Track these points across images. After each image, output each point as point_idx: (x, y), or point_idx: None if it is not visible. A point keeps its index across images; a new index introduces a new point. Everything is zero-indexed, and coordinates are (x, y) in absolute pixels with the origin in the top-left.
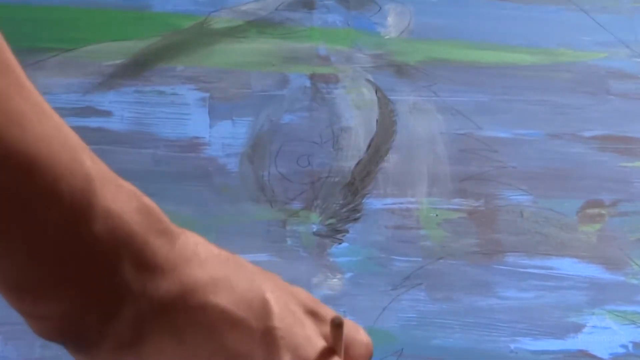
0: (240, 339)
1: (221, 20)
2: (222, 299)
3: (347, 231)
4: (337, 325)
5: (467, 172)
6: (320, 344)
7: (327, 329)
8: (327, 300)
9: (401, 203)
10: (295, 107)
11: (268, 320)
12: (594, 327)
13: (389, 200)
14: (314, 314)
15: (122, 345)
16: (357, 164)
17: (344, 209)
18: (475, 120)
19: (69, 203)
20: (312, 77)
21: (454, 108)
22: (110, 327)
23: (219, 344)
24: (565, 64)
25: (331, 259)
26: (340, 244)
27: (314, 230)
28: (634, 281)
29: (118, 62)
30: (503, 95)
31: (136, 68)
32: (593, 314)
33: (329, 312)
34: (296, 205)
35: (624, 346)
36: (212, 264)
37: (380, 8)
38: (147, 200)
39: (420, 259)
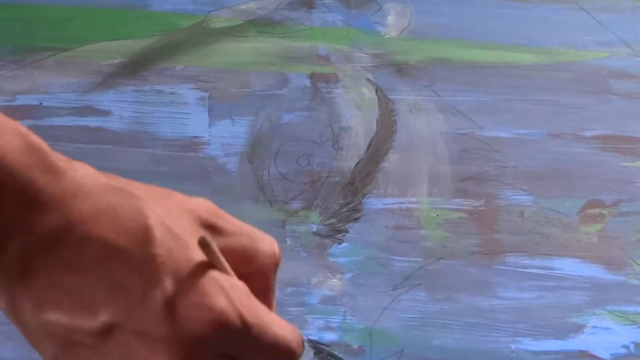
0: (122, 267)
1: (220, 20)
2: (104, 230)
3: (347, 231)
4: (203, 245)
5: (468, 172)
6: (202, 263)
7: (227, 241)
8: (327, 300)
9: (401, 203)
10: (295, 106)
11: (148, 248)
12: (595, 327)
13: (389, 200)
14: (212, 228)
15: (11, 279)
16: (357, 163)
17: (344, 209)
18: (476, 120)
19: None
20: (312, 76)
21: (455, 108)
22: (2, 259)
23: (103, 273)
24: (566, 64)
25: (331, 259)
26: (340, 244)
27: (314, 230)
28: (635, 281)
29: (117, 61)
30: (504, 94)
31: (135, 67)
32: (594, 314)
33: (229, 224)
34: (296, 205)
35: (625, 346)
36: (98, 195)
37: (381, 7)
38: (33, 138)
39: (420, 259)
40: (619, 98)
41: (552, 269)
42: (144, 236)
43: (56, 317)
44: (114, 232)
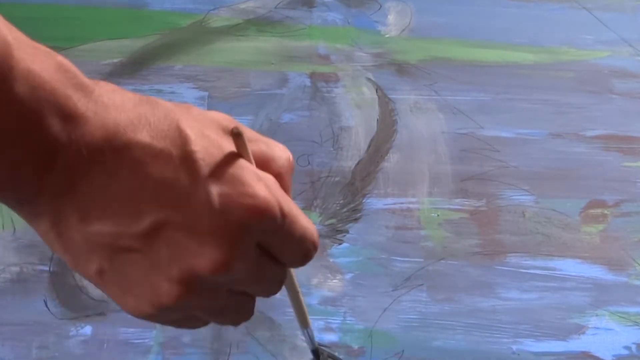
0: (163, 167)
1: (220, 19)
2: (142, 135)
3: (347, 231)
4: (236, 135)
5: (469, 171)
6: (237, 156)
7: (251, 147)
8: (327, 301)
9: (402, 203)
10: (294, 106)
11: (186, 146)
12: (596, 328)
13: (389, 200)
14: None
15: (58, 194)
16: (358, 163)
17: (344, 209)
18: (477, 120)
19: None
20: (312, 75)
21: (455, 107)
22: (46, 178)
23: (145, 175)
24: (567, 63)
25: (331, 260)
26: (340, 244)
27: None
28: (637, 282)
29: (116, 60)
30: (505, 94)
31: (134, 67)
32: (596, 315)
33: (248, 131)
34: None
35: (627, 347)
36: (129, 106)
37: (381, 6)
38: (61, 57)
39: (421, 260)
40: (620, 97)
41: (553, 269)
42: (180, 137)
43: (102, 226)
44: (151, 136)
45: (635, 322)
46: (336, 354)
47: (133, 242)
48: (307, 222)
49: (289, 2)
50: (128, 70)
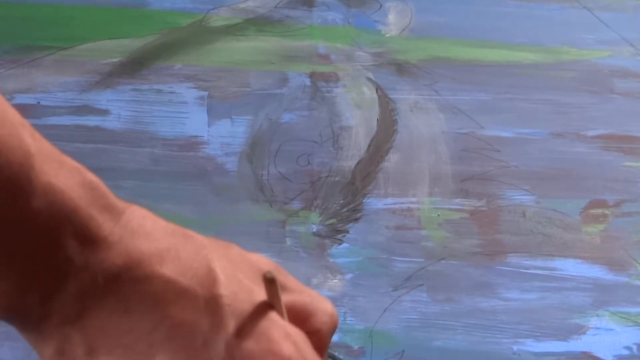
0: (185, 307)
1: (220, 18)
2: (167, 269)
3: (347, 231)
4: (269, 280)
5: (469, 171)
6: (267, 308)
7: (288, 297)
8: None
9: (402, 203)
10: (294, 106)
11: (213, 288)
12: (597, 328)
13: (389, 200)
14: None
15: (66, 321)
16: (358, 163)
17: (344, 209)
18: (477, 120)
19: (7, 178)
20: (312, 75)
21: (456, 107)
22: (54, 304)
23: (164, 313)
24: (568, 63)
25: (331, 260)
26: (340, 244)
27: (314, 230)
28: (638, 282)
29: (115, 60)
30: (505, 94)
31: (134, 66)
32: (596, 315)
33: (290, 281)
34: (296, 205)
35: (628, 348)
36: (158, 235)
37: (381, 6)
38: (91, 175)
39: (421, 260)
40: (621, 97)
41: (554, 269)
42: (209, 277)
43: None
44: (177, 272)
45: (636, 322)
46: (336, 353)
47: None
48: None
49: (288, 1)
50: (128, 70)
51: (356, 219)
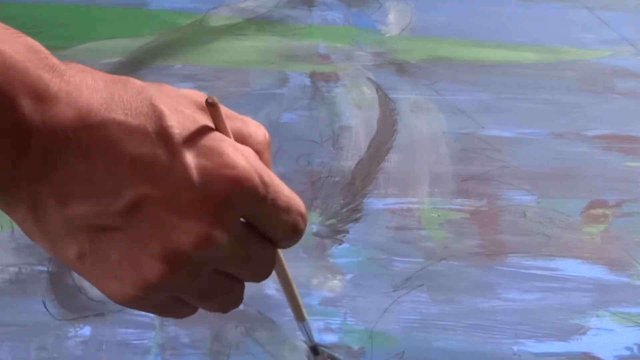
0: (140, 143)
1: (219, 18)
2: (116, 113)
3: (347, 232)
4: (212, 105)
5: (469, 171)
6: (213, 129)
7: (228, 124)
8: (327, 301)
9: (402, 203)
10: (294, 105)
11: (161, 122)
12: (598, 329)
13: (389, 201)
14: (205, 111)
15: (35, 178)
16: (358, 163)
17: (344, 209)
18: (478, 119)
19: None
20: (312, 75)
21: (456, 107)
22: (21, 162)
23: (122, 152)
24: (569, 62)
25: (331, 260)
26: (340, 244)
27: (314, 230)
28: (639, 282)
29: (115, 60)
30: (506, 94)
31: (133, 66)
32: (597, 315)
33: (225, 109)
34: None
35: (629, 348)
36: (100, 86)
37: (381, 5)
38: (31, 39)
39: (421, 260)
40: (622, 97)
41: (554, 269)
42: (154, 113)
43: (80, 207)
44: (125, 114)
45: (637, 322)
46: (336, 354)
47: (113, 221)
48: (291, 193)
49: (288, 1)
50: (127, 70)
51: (356, 219)
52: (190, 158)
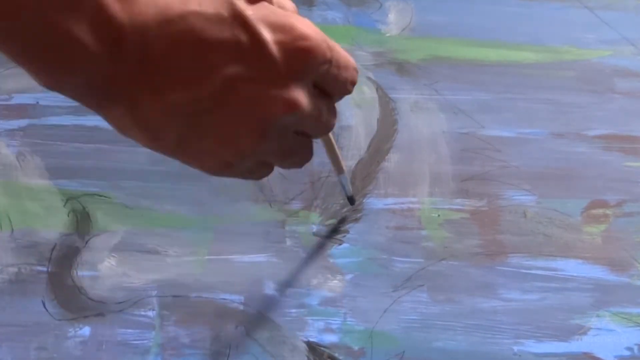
0: (219, 28)
1: None
2: (192, 5)
3: (347, 231)
4: None
5: (470, 171)
6: (277, 9)
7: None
8: (327, 302)
9: (402, 203)
10: None
11: (233, 6)
12: (598, 329)
13: (390, 200)
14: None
15: (132, 75)
16: (358, 163)
17: (345, 209)
18: (478, 119)
19: None
20: None
21: (457, 107)
22: (117, 61)
23: (205, 40)
24: (569, 62)
25: (331, 260)
26: (340, 244)
27: (314, 230)
28: (639, 283)
29: None
30: (506, 93)
31: None
32: (597, 316)
33: None
34: (296, 205)
35: (629, 349)
36: None
37: (381, 5)
38: None
39: (422, 260)
40: (622, 97)
41: (555, 270)
42: (225, 1)
43: (176, 96)
44: (199, 4)
45: (637, 323)
46: (336, 354)
47: (207, 103)
48: (345, 52)
49: None
50: None
51: (356, 219)
52: (267, 35)
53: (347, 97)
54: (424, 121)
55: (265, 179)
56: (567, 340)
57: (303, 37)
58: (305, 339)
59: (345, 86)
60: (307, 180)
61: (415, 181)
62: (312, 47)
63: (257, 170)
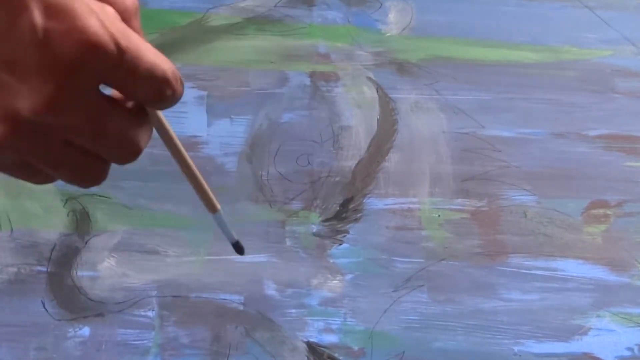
0: None
1: (219, 17)
2: None
3: (347, 232)
4: None
5: (470, 171)
6: None
7: None
8: (327, 302)
9: (402, 203)
10: (294, 105)
11: None
12: (598, 329)
13: (390, 201)
14: None
15: None
16: (358, 163)
17: (344, 209)
18: (478, 119)
19: None
20: (312, 75)
21: (457, 106)
22: None
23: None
24: (569, 62)
25: (331, 260)
26: (340, 244)
27: (314, 230)
28: (639, 283)
29: None
30: (506, 93)
31: None
32: (598, 316)
33: None
34: (296, 205)
35: (630, 349)
36: None
37: (382, 5)
38: None
39: (422, 260)
40: (623, 97)
41: (555, 270)
42: None
43: None
44: None
45: (638, 323)
46: (336, 355)
47: None
48: (157, 58)
49: (288, 0)
50: None
51: (356, 219)
52: (37, 17)
53: (347, 97)
54: (424, 121)
55: (265, 179)
56: (568, 341)
57: (80, 30)
58: (305, 339)
59: (146, 99)
60: (307, 180)
61: (415, 181)
62: (90, 42)
63: (26, 171)
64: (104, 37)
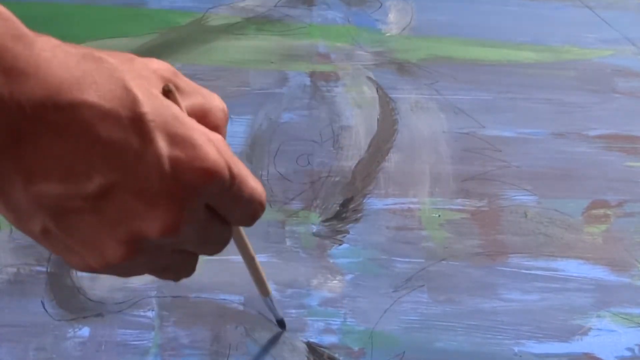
0: (112, 128)
1: (219, 17)
2: (88, 95)
3: (347, 232)
4: (167, 92)
5: (470, 171)
6: (185, 117)
7: (186, 102)
8: (327, 302)
9: (403, 203)
10: (294, 105)
11: (135, 107)
12: (599, 329)
13: (390, 201)
14: (177, 89)
15: (2, 151)
16: (358, 163)
17: (344, 209)
18: (478, 119)
19: None
20: (312, 75)
21: (457, 106)
22: None
23: (94, 136)
24: (570, 62)
25: (331, 261)
26: (340, 245)
27: (314, 231)
28: None
29: None
30: (507, 93)
31: None
32: (598, 316)
33: (186, 84)
34: (296, 205)
35: (630, 349)
36: (72, 63)
37: (382, 4)
38: (2, 7)
39: (422, 261)
40: (623, 97)
41: (555, 270)
42: (128, 97)
43: (48, 187)
44: (97, 96)
45: (638, 323)
46: (336, 355)
47: (80, 204)
48: (256, 183)
49: (288, 0)
50: None
51: (356, 220)
52: (163, 147)
53: (347, 97)
54: (424, 121)
55: (265, 179)
56: (568, 341)
57: (202, 158)
58: (305, 340)
59: (242, 218)
60: (307, 180)
61: (415, 181)
62: (210, 171)
63: (128, 274)
64: (222, 165)
